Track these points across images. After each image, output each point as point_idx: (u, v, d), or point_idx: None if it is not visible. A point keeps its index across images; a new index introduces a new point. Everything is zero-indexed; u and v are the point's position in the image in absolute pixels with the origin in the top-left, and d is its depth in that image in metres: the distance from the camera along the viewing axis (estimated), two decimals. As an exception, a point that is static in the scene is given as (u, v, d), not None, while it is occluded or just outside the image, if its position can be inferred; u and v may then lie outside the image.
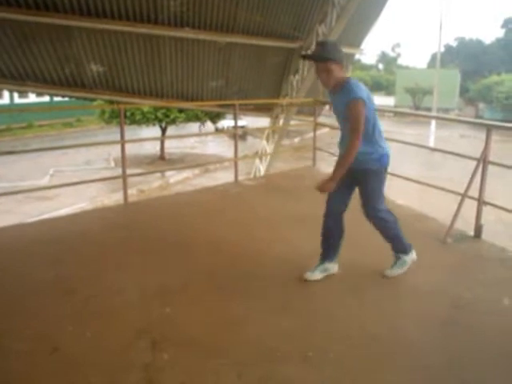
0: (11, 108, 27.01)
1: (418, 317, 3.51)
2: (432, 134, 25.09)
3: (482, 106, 40.78)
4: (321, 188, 3.70)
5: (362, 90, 3.54)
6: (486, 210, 5.10)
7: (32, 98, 26.36)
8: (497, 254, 4.73)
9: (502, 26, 55.38)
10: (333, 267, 4.06)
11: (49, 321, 3.43)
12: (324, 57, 3.53)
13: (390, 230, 4.00)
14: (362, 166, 3.74)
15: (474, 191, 5.04)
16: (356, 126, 3.53)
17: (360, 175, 3.81)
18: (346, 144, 3.67)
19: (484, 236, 5.09)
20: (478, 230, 5.08)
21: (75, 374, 2.85)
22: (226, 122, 23.13)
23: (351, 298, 3.74)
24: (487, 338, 3.24)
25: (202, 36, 7.87)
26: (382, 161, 3.79)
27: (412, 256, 4.10)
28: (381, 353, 3.06)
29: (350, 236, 4.11)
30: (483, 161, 4.95)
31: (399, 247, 4.05)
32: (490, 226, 6.13)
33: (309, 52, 3.75)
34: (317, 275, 3.98)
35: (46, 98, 26.21)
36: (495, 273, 4.31)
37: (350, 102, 3.49)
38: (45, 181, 15.46)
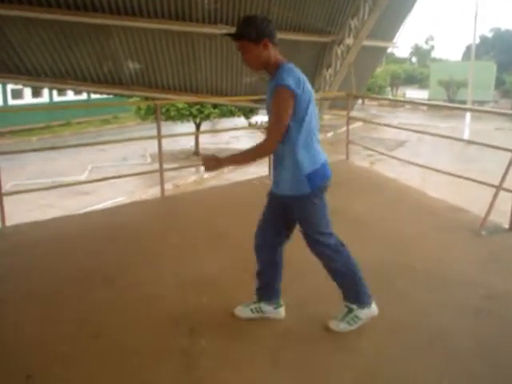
0: (50, 105, 27.64)
1: (451, 307, 3.54)
2: (467, 126, 24.67)
3: (517, 98, 39.76)
4: (204, 163, 2.99)
5: (294, 78, 2.82)
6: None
7: (70, 95, 26.93)
8: (532, 246, 4.71)
9: (540, 16, 53.75)
10: (270, 311, 3.36)
11: (90, 306, 3.59)
12: (238, 33, 2.92)
13: (336, 266, 3.12)
14: (284, 192, 3.05)
15: (509, 183, 5.02)
16: (276, 120, 2.84)
17: (285, 204, 3.11)
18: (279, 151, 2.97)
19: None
20: (513, 222, 5.06)
21: (117, 357, 2.99)
22: (260, 118, 23.18)
23: (379, 290, 3.78)
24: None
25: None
26: (313, 182, 2.93)
27: (369, 311, 3.16)
28: (413, 341, 3.12)
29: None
30: (518, 152, 4.92)
31: (351, 295, 3.16)
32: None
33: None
34: (247, 313, 3.39)
35: (84, 96, 26.74)
36: (529, 265, 4.30)
37: (276, 90, 2.82)
38: (84, 176, 15.81)
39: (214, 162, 2.96)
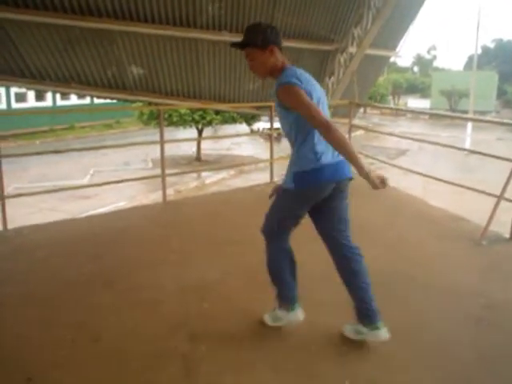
0: (54, 109, 27.73)
1: (451, 316, 3.54)
2: (468, 136, 24.69)
3: (519, 108, 39.85)
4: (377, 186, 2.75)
5: (295, 77, 2.81)
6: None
7: (73, 100, 27.07)
8: (532, 256, 4.72)
9: (543, 27, 54.00)
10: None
11: (90, 310, 3.59)
12: (244, 42, 2.96)
13: (270, 264, 3.22)
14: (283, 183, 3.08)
15: (510, 194, 5.03)
16: (309, 112, 2.71)
17: None
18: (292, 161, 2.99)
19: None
20: (514, 232, 5.07)
21: (117, 361, 2.99)
22: (261, 124, 23.24)
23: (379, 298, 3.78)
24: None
25: (239, 39, 7.97)
26: (302, 180, 2.91)
27: (291, 316, 3.19)
28: (414, 350, 3.12)
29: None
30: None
31: (278, 293, 3.23)
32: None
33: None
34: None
35: (87, 101, 26.86)
36: (530, 275, 4.31)
37: (278, 91, 2.82)
38: (85, 180, 15.85)
39: (371, 174, 2.69)
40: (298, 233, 3.19)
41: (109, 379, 2.83)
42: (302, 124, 2.85)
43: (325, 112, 2.88)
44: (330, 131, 2.64)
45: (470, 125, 25.79)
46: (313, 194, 2.97)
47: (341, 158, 2.86)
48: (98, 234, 5.24)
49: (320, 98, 2.94)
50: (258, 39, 2.90)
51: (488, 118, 28.62)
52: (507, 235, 5.09)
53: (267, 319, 3.31)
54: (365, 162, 2.71)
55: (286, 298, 3.19)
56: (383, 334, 2.99)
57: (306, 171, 2.89)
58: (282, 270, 3.16)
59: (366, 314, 3.02)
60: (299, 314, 3.19)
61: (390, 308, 3.55)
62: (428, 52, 69.11)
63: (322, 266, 3.49)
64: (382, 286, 3.84)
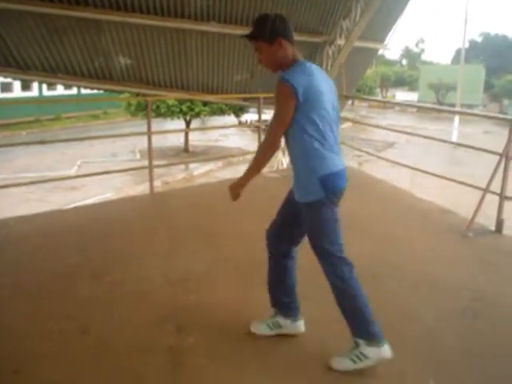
0: (40, 99, 27.48)
1: (438, 308, 3.57)
2: (455, 129, 24.84)
3: (506, 102, 40.14)
4: (231, 194, 3.04)
5: (300, 75, 2.68)
6: (509, 206, 5.14)
7: (60, 90, 26.78)
8: (517, 248, 4.77)
9: (529, 21, 54.40)
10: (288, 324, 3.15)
11: (78, 303, 3.57)
12: (252, 34, 2.85)
13: (347, 292, 2.83)
14: (301, 197, 2.89)
15: (496, 187, 5.08)
16: (275, 121, 2.71)
17: (300, 209, 2.93)
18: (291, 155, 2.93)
19: (506, 231, 5.13)
20: (499, 224, 5.12)
21: (105, 353, 2.98)
22: (250, 116, 23.21)
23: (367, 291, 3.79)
24: (507, 331, 3.30)
25: (228, 30, 7.95)
26: (327, 185, 2.76)
27: (380, 352, 2.74)
28: (401, 341, 3.14)
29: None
30: (505, 156, 4.98)
31: (357, 328, 2.82)
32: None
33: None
34: (264, 329, 3.18)
35: (74, 91, 26.63)
36: (514, 266, 4.36)
37: (276, 85, 2.70)
38: (73, 171, 15.73)
39: (236, 189, 2.99)
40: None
41: (96, 372, 2.82)
42: (306, 121, 2.71)
43: (330, 110, 2.78)
44: (267, 151, 2.81)
45: (457, 118, 25.93)
46: (339, 197, 2.89)
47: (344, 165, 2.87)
48: (85, 225, 5.21)
49: (332, 101, 2.81)
50: (265, 32, 2.77)
51: (475, 111, 28.80)
52: (492, 228, 5.14)
53: (347, 364, 2.82)
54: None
55: (373, 329, 2.78)
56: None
57: (331, 173, 2.77)
58: (363, 300, 2.85)
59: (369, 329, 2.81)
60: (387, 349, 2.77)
61: (378, 300, 3.58)
62: (416, 45, 69.36)
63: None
64: (370, 278, 3.87)
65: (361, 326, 2.78)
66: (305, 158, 2.78)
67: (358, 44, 9.03)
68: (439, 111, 38.93)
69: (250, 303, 3.57)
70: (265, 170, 7.48)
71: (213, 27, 7.87)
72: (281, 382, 2.76)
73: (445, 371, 2.87)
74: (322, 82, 2.76)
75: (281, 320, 3.14)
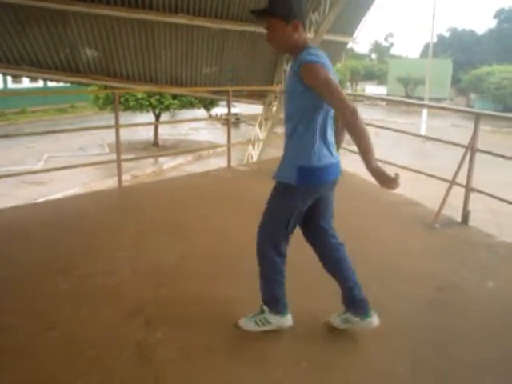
0: (5, 92, 26.87)
1: (405, 298, 3.62)
2: (423, 123, 25.20)
3: (473, 96, 40.88)
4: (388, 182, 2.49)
5: (320, 57, 2.64)
6: (477, 198, 5.24)
7: (26, 83, 26.28)
8: (482, 239, 4.86)
9: (495, 17, 55.52)
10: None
11: (46, 299, 3.50)
12: (262, 11, 2.77)
13: (263, 270, 3.04)
14: (277, 175, 2.87)
15: (462, 179, 5.16)
16: (336, 94, 2.51)
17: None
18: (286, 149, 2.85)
19: (472, 223, 5.23)
20: (465, 216, 5.21)
21: (71, 348, 2.94)
22: (220, 110, 23.15)
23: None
24: (471, 319, 3.36)
25: (196, 22, 7.90)
26: (307, 177, 2.75)
27: (282, 321, 3.04)
28: (368, 332, 3.17)
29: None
30: (471, 148, 5.06)
31: (266, 298, 3.05)
32: (479, 213, 6.29)
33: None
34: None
35: (40, 84, 26.09)
36: (480, 257, 4.43)
37: (302, 68, 2.58)
38: (39, 166, 15.46)
39: (387, 176, 2.48)
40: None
41: (62, 367, 2.77)
42: (312, 109, 2.68)
43: (327, 110, 2.75)
44: (356, 117, 2.46)
45: (425, 111, 26.34)
46: (315, 192, 2.85)
47: (337, 156, 2.84)
48: (53, 220, 5.12)
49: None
50: (284, 9, 2.66)
51: (443, 105, 29.31)
52: (459, 219, 5.23)
53: (248, 325, 3.10)
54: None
55: (278, 303, 3.02)
56: (375, 320, 2.96)
57: (311, 168, 2.73)
58: (279, 275, 2.99)
59: (357, 305, 2.97)
60: (290, 320, 3.05)
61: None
62: (385, 39, 70.18)
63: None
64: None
65: (271, 298, 3.01)
66: (298, 143, 2.75)
67: (327, 37, 9.09)
68: (408, 105, 39.47)
69: (219, 296, 3.56)
70: (235, 164, 7.47)
71: (181, 19, 7.81)
72: (252, 373, 2.76)
73: (412, 360, 2.91)
74: (331, 69, 2.72)
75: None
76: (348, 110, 2.45)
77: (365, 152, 2.50)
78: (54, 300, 3.49)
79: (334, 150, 2.82)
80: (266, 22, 2.72)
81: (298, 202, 2.83)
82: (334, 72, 2.74)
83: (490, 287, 3.82)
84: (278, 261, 2.96)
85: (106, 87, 9.78)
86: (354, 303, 2.99)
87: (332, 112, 2.77)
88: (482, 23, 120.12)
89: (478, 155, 5.09)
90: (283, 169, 2.83)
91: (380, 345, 3.03)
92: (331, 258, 3.07)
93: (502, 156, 5.14)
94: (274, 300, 3.02)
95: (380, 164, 2.53)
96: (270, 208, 2.96)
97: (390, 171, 2.49)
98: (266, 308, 3.04)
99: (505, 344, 3.09)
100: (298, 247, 3.13)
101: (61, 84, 9.47)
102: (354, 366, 2.84)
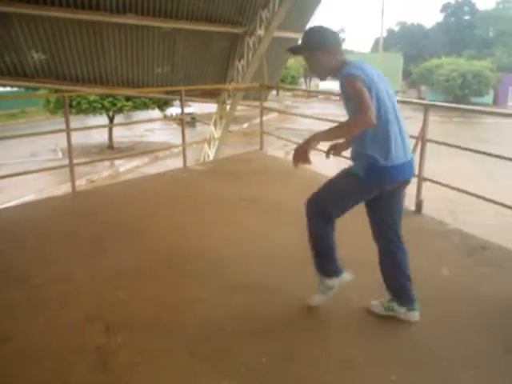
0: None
1: (364, 288, 3.66)
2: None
3: (424, 88, 41.82)
4: (295, 157, 2.80)
5: (358, 68, 2.84)
6: (431, 187, 5.34)
7: (-29, 88, 25.42)
8: (436, 227, 4.97)
9: (441, 11, 57.07)
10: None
11: (0, 310, 3.42)
12: (307, 47, 3.00)
13: (315, 243, 3.25)
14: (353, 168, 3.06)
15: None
16: (359, 102, 2.66)
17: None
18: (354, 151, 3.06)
19: (425, 211, 5.34)
20: (419, 205, 5.32)
21: (28, 360, 2.86)
22: (175, 110, 22.98)
23: (298, 274, 3.86)
24: (425, 305, 3.43)
25: (145, 22, 7.81)
26: (375, 173, 2.94)
27: (342, 278, 3.29)
28: (333, 324, 3.21)
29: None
30: (421, 139, 5.18)
31: (321, 267, 3.28)
32: (432, 202, 6.43)
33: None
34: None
35: (-14, 89, 25.33)
36: (434, 244, 4.54)
37: (341, 82, 2.82)
38: (-12, 174, 15.01)
39: (301, 150, 2.75)
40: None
41: (18, 381, 2.70)
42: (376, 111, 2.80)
43: (393, 103, 2.95)
44: (361, 115, 2.63)
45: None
46: (380, 188, 3.01)
47: (410, 156, 3.01)
48: (5, 228, 4.98)
49: (387, 90, 2.95)
50: (319, 42, 2.94)
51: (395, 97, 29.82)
52: (413, 208, 5.34)
53: (318, 298, 3.32)
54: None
55: (334, 270, 3.24)
56: (417, 315, 3.20)
57: (380, 166, 2.90)
58: (329, 246, 3.21)
59: (407, 296, 3.19)
60: (348, 275, 3.28)
61: (307, 284, 3.65)
62: (337, 35, 70.95)
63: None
64: (300, 264, 3.94)
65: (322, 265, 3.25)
66: (371, 141, 2.89)
67: (278, 34, 9.13)
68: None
69: (178, 296, 3.54)
70: (191, 164, 7.43)
71: (130, 19, 7.70)
72: (213, 372, 2.75)
73: (373, 349, 2.95)
74: (375, 76, 2.90)
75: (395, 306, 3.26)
76: (358, 116, 2.64)
77: (326, 132, 2.77)
78: (8, 311, 3.39)
79: (407, 150, 2.99)
80: (305, 55, 3.02)
81: (361, 193, 3.07)
82: (380, 75, 2.97)
83: (445, 275, 3.91)
84: (330, 234, 3.20)
85: (56, 91, 9.54)
86: (403, 294, 3.20)
87: (400, 113, 3.01)
88: (430, 17, 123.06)
89: (430, 145, 5.22)
90: (356, 159, 3.02)
91: (342, 337, 3.09)
92: (385, 257, 3.29)
93: (448, 144, 5.31)
94: (328, 267, 3.23)
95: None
96: (336, 187, 3.14)
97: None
98: (323, 277, 3.24)
99: (463, 332, 3.17)
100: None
101: (8, 89, 9.19)
102: (315, 358, 2.86)
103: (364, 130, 2.75)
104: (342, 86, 2.82)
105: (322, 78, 3.12)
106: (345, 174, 3.12)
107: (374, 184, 2.99)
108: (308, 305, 3.34)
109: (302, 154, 2.75)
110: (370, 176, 2.94)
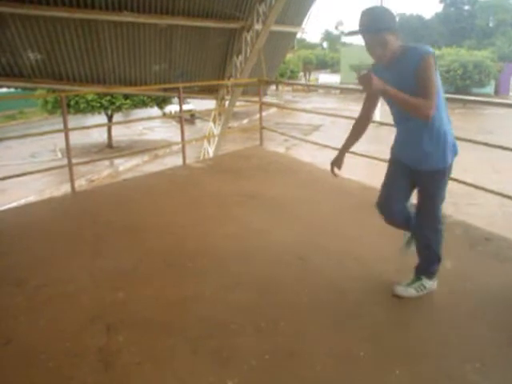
0: None
1: (365, 282, 3.65)
2: (378, 109, 25.56)
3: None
4: (363, 80, 2.77)
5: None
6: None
7: (-31, 90, 25.41)
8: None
9: (441, 1, 56.90)
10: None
11: (0, 313, 3.40)
12: (378, 28, 2.85)
13: (441, 249, 3.36)
14: (423, 165, 3.11)
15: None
16: (431, 91, 2.75)
17: (420, 177, 3.20)
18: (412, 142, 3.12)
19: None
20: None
21: (30, 363, 2.84)
22: (173, 107, 22.92)
23: (296, 269, 3.84)
24: (429, 297, 3.42)
25: (142, 19, 7.77)
26: (450, 156, 3.05)
27: (433, 284, 3.46)
28: (329, 319, 3.18)
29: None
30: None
31: (426, 268, 3.41)
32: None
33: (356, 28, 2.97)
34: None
35: (-16, 91, 25.32)
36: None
37: (422, 61, 2.78)
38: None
39: (369, 76, 2.73)
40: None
41: (22, 382, 2.68)
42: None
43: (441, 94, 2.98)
44: (418, 108, 2.73)
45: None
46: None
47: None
48: (4, 230, 4.96)
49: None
50: (393, 23, 2.88)
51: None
52: (415, 201, 5.29)
53: (410, 292, 3.40)
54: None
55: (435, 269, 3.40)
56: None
57: (453, 144, 3.05)
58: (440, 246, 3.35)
59: (435, 269, 3.39)
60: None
61: (307, 279, 3.63)
62: (336, 28, 70.86)
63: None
64: (297, 259, 3.93)
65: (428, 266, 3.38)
66: (439, 123, 2.97)
67: (275, 28, 9.08)
68: (362, 92, 39.93)
69: (179, 294, 3.52)
70: (190, 161, 7.40)
71: (126, 17, 7.66)
72: (216, 369, 2.73)
73: (373, 343, 2.93)
74: None
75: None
76: (429, 103, 2.73)
77: (396, 92, 2.77)
78: (9, 313, 3.37)
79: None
80: (376, 37, 2.86)
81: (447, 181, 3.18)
82: None
83: (449, 267, 3.88)
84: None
85: (53, 91, 9.51)
86: (433, 268, 3.38)
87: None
88: (429, 8, 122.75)
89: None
90: (430, 155, 3.04)
91: (342, 330, 3.06)
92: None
93: (468, 140, 5.25)
94: (437, 268, 3.40)
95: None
96: (437, 197, 3.21)
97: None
98: (424, 277, 3.39)
99: (467, 324, 3.15)
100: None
101: (5, 90, 9.16)
102: (318, 354, 2.84)
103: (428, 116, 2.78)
104: (419, 62, 2.78)
105: (383, 62, 2.99)
106: (433, 180, 3.15)
107: (451, 165, 3.11)
108: (396, 295, 3.41)
109: (368, 79, 2.72)
110: (453, 156, 3.08)
